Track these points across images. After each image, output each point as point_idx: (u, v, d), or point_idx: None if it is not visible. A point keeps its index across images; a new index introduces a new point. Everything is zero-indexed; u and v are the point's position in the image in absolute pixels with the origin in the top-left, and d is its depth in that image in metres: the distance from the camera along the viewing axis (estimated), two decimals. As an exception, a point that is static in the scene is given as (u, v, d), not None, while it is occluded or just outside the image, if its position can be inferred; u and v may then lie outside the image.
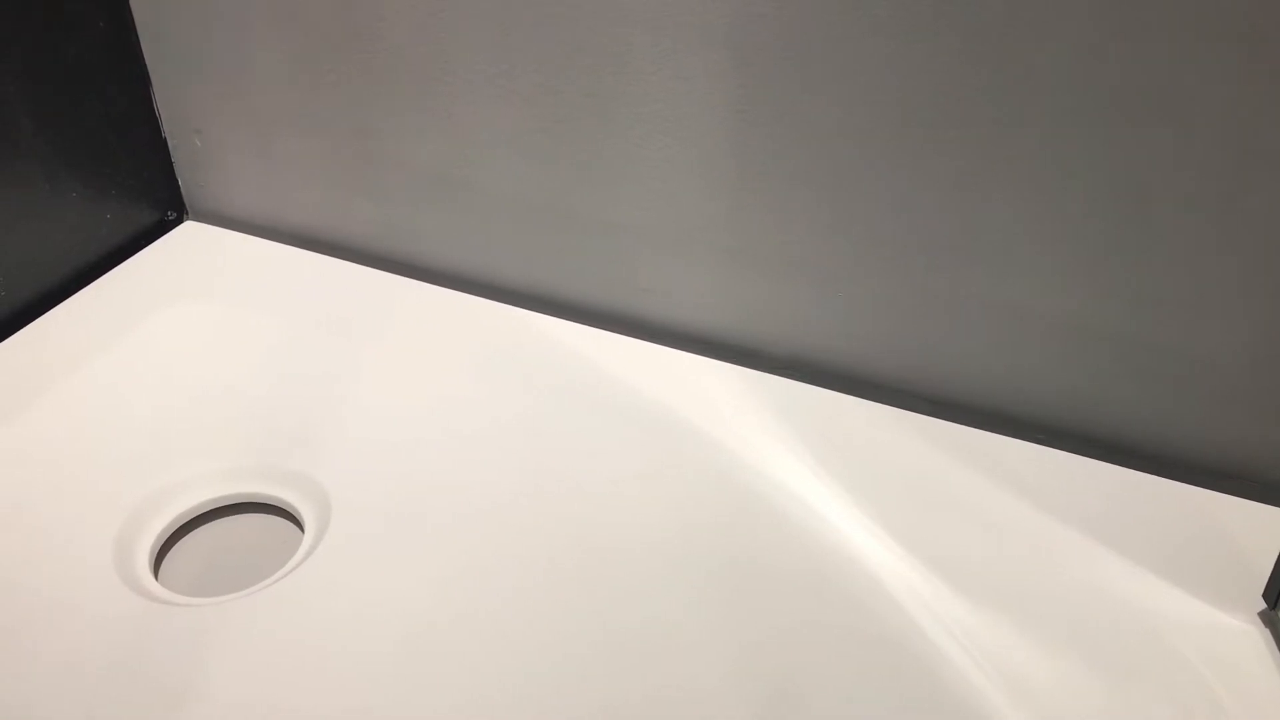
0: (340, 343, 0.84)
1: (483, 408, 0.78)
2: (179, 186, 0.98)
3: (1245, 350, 0.70)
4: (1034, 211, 0.69)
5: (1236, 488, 0.72)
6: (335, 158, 0.89)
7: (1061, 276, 0.71)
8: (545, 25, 0.75)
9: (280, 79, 0.87)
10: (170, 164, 0.97)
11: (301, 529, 0.72)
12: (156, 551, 0.69)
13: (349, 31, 0.81)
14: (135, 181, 0.94)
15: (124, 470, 0.73)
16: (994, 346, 0.76)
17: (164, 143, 0.96)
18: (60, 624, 0.63)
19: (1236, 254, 0.66)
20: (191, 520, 0.73)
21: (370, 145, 0.87)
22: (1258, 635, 0.63)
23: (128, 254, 0.94)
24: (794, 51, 0.69)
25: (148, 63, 0.91)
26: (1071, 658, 0.61)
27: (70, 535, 0.68)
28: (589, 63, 0.75)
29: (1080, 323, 0.72)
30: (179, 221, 0.99)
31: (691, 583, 0.65)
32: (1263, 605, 0.65)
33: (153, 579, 0.67)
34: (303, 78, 0.86)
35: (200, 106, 0.92)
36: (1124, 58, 0.62)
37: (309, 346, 0.84)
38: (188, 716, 0.57)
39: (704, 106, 0.73)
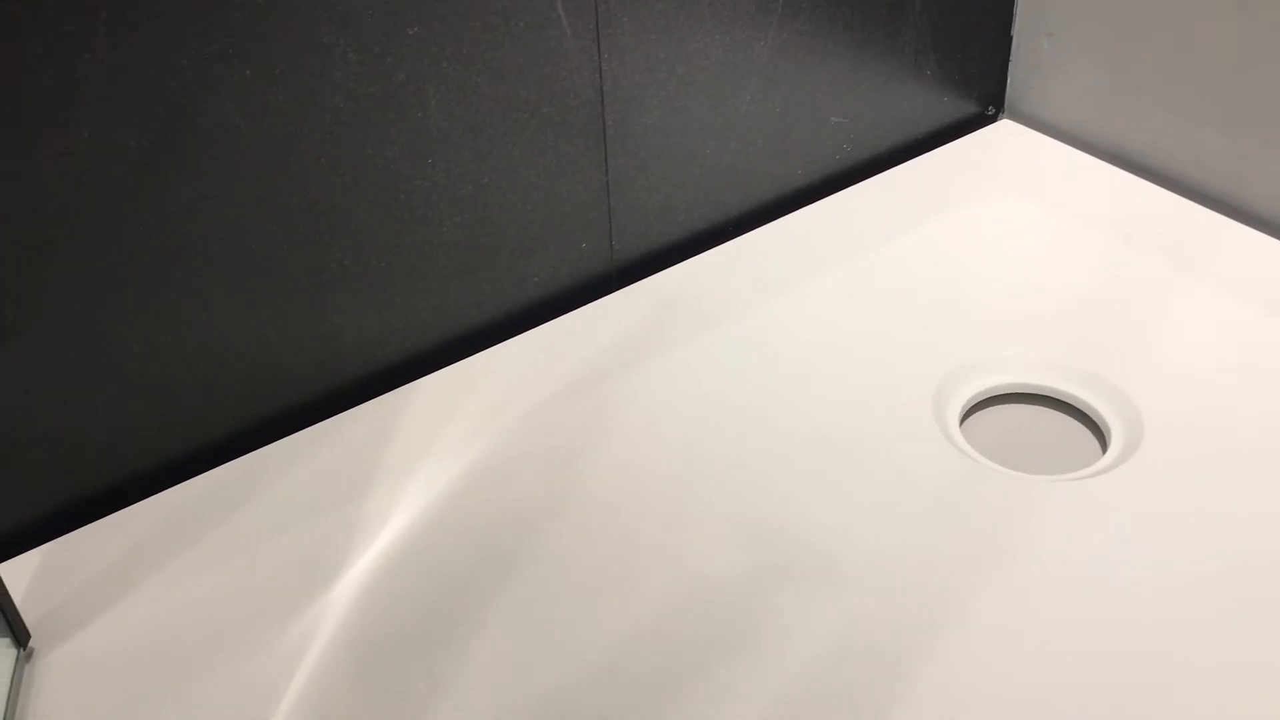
0: (1148, 266, 0.83)
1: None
2: (1006, 84, 1.01)
3: None
4: None
5: None
6: (1192, 85, 0.86)
7: None
8: None
9: (1163, -6, 0.85)
10: (1006, 62, 1.00)
11: (1102, 435, 0.73)
12: (963, 413, 0.74)
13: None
14: (974, 71, 0.98)
15: (944, 331, 0.78)
16: None
17: (1009, 41, 0.99)
18: (884, 454, 0.69)
19: None
20: (991, 397, 0.77)
21: (1242, 79, 0.83)
22: None
23: (947, 138, 0.99)
24: None
25: (1029, -41, 0.94)
26: None
27: (898, 376, 0.75)
28: None
29: None
30: (995, 118, 1.02)
31: None
32: None
33: (960, 435, 0.72)
34: (1190, -4, 0.83)
35: (1060, 11, 0.93)
36: None
37: (1116, 262, 0.84)
38: (1015, 573, 0.61)
39: None
